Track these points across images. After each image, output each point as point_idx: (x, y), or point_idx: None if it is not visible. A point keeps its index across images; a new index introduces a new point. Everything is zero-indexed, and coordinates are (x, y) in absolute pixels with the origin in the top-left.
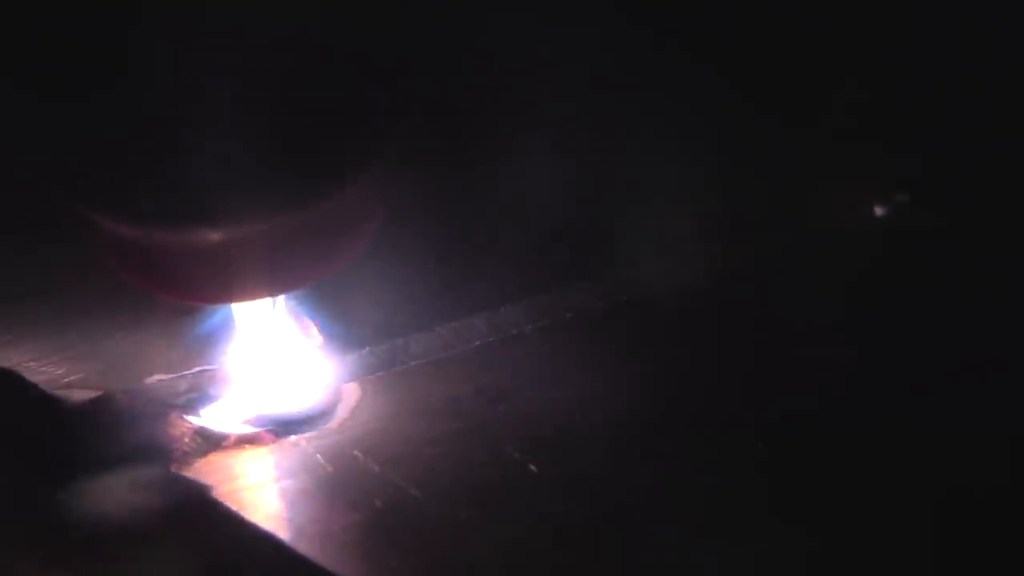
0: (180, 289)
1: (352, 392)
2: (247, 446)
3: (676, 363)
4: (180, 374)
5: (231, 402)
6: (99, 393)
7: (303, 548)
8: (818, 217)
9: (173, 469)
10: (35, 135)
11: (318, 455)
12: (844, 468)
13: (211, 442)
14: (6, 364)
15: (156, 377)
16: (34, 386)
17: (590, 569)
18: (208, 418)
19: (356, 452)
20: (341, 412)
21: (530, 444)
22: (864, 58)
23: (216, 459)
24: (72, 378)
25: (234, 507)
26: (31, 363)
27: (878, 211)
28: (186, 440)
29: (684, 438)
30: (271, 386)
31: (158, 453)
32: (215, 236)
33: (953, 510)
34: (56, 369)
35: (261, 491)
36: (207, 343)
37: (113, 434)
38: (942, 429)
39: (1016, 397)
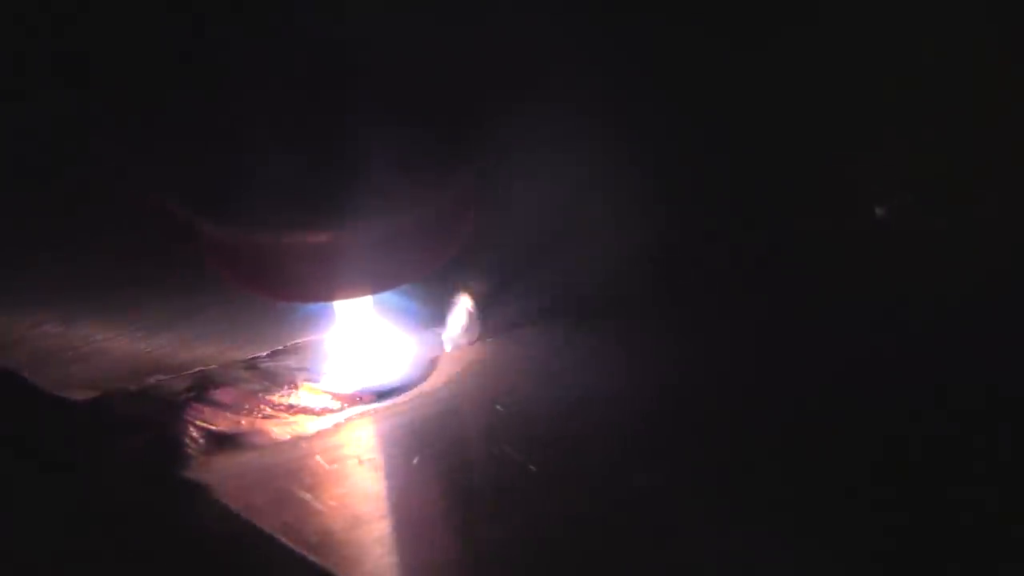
0: (283, 290)
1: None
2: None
3: (676, 363)
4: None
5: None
6: (99, 394)
7: (301, 548)
8: (818, 217)
9: (175, 470)
10: (148, 143)
11: (318, 456)
12: (845, 467)
13: (217, 442)
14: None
15: (156, 377)
16: (34, 386)
17: (590, 569)
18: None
19: (355, 453)
20: (349, 413)
21: (530, 444)
22: (864, 58)
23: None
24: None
25: (231, 504)
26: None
27: (878, 211)
28: (187, 441)
29: (684, 438)
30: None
31: (159, 454)
32: (320, 239)
33: (954, 509)
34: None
35: (255, 491)
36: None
37: (113, 435)
38: (943, 428)
39: (1016, 396)
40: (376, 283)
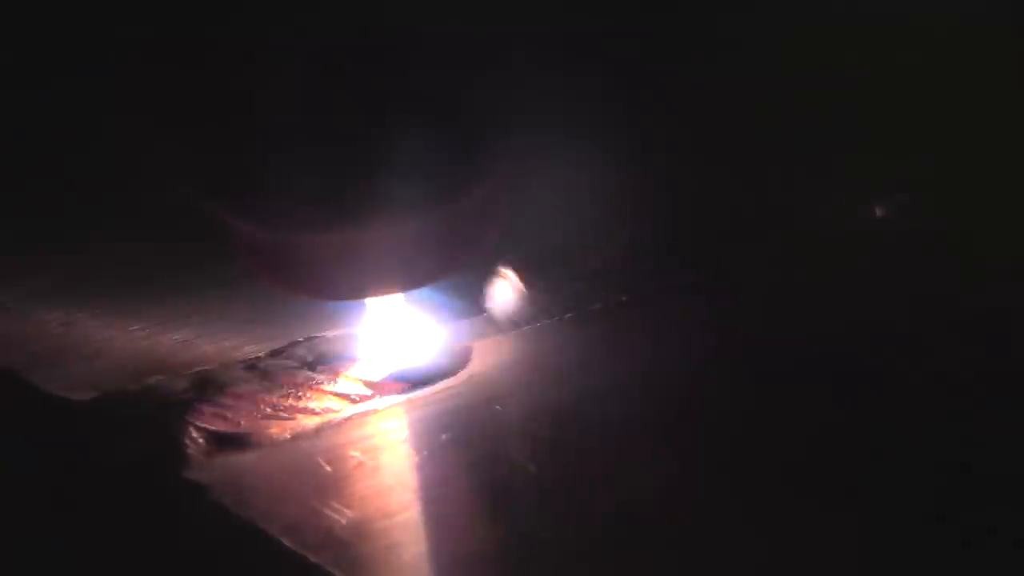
0: (316, 287)
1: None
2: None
3: (676, 363)
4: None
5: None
6: (99, 394)
7: (302, 548)
8: (818, 217)
9: (175, 470)
10: (180, 141)
11: (318, 456)
12: (845, 467)
13: (217, 442)
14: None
15: (156, 377)
16: (34, 386)
17: (590, 570)
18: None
19: (353, 453)
20: (349, 413)
21: (530, 444)
22: (863, 58)
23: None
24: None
25: (231, 505)
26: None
27: (878, 211)
28: (187, 441)
29: (684, 438)
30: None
31: (159, 454)
32: (352, 237)
33: (955, 509)
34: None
35: (256, 492)
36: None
37: (113, 435)
38: (944, 427)
39: (1016, 397)
40: (407, 280)
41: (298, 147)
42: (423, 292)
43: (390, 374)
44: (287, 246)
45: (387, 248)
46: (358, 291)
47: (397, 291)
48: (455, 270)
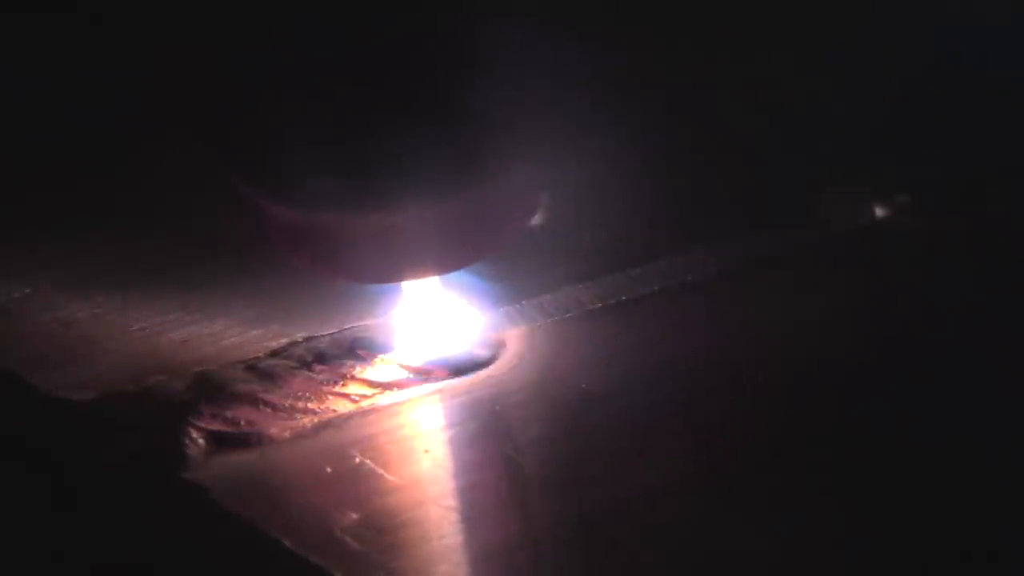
0: (348, 269)
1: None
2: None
3: (676, 362)
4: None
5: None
6: (99, 394)
7: (301, 548)
8: (818, 217)
9: (175, 470)
10: (214, 121)
11: (318, 455)
12: (845, 467)
13: (217, 442)
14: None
15: (156, 377)
16: (34, 386)
17: (591, 570)
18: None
19: (354, 453)
20: (349, 412)
21: (530, 444)
22: (862, 60)
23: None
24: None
25: (231, 505)
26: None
27: (878, 211)
28: (187, 441)
29: (685, 438)
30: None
31: (159, 454)
32: (385, 219)
33: (955, 510)
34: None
35: (255, 492)
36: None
37: (113, 435)
38: (943, 427)
39: (1017, 398)
40: (444, 262)
41: (328, 126)
42: (444, 281)
43: (390, 374)
44: (323, 229)
45: (418, 231)
46: (390, 274)
47: (429, 275)
48: (495, 251)
